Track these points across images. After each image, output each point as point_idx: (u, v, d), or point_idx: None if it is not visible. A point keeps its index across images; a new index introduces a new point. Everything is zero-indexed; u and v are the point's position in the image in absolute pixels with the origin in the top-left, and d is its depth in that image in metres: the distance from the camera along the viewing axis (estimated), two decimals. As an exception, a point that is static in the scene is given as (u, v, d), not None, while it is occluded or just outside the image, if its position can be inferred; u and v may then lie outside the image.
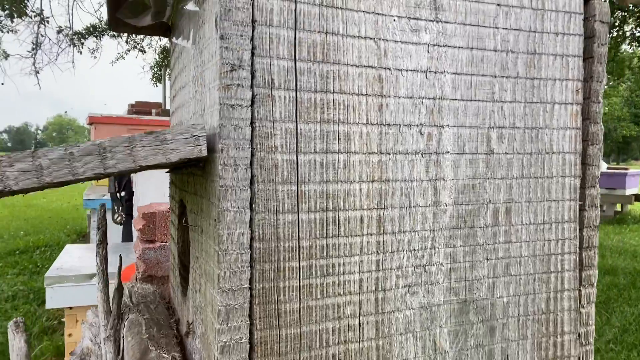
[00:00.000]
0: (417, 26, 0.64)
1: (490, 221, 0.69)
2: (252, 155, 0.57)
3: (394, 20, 0.63)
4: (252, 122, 0.56)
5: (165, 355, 0.70)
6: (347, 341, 0.62)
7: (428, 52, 0.65)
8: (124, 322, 0.80)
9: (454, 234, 0.67)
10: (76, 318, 2.07)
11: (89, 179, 0.53)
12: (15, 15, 6.54)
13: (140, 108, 6.03)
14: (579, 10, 0.72)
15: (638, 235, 7.20)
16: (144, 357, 0.69)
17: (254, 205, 0.57)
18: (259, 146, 0.57)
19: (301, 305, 0.59)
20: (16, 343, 0.82)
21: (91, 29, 7.62)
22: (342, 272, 0.61)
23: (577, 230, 0.74)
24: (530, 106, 0.70)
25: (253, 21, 0.56)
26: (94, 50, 8.00)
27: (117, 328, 0.79)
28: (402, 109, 0.64)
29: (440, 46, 0.65)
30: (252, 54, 0.56)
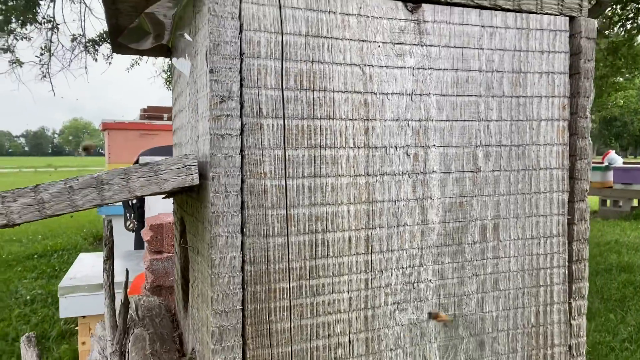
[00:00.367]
0: (402, 51, 0.66)
1: (478, 237, 0.71)
2: (242, 182, 0.59)
3: (379, 46, 0.65)
4: (241, 150, 0.59)
5: (167, 370, 0.73)
6: (337, 358, 0.64)
7: (413, 75, 0.67)
8: (129, 336, 0.83)
9: (442, 251, 0.69)
10: (89, 327, 2.13)
11: (88, 209, 0.56)
12: (27, 23, 6.67)
13: (152, 113, 6.12)
14: (564, 27, 0.74)
15: (655, 231, 7.08)
16: (147, 371, 0.72)
17: (244, 230, 0.59)
18: (248, 173, 0.59)
19: (292, 325, 0.62)
20: (28, 357, 0.86)
21: (104, 36, 7.74)
22: (331, 291, 0.64)
23: (566, 244, 0.75)
24: (517, 124, 0.72)
25: (241, 54, 0.59)
26: (109, 57, 8.13)
27: (123, 342, 0.83)
28: (388, 131, 0.66)
29: (425, 69, 0.67)
30: (241, 85, 0.59)
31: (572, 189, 0.76)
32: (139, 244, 3.63)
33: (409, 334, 0.67)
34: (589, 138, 0.77)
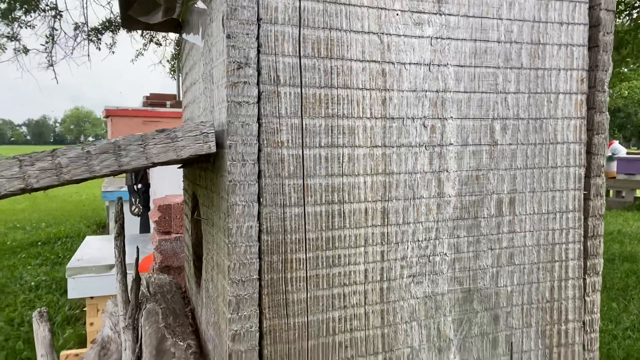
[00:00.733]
0: (420, 19, 0.65)
1: (494, 212, 0.70)
2: (260, 150, 0.59)
3: (397, 14, 0.64)
4: (259, 119, 0.58)
5: (181, 343, 0.73)
6: (353, 329, 0.64)
7: (431, 45, 0.66)
8: (142, 311, 0.83)
9: (457, 224, 0.68)
10: (97, 307, 2.14)
11: (105, 175, 0.55)
12: (31, 11, 6.63)
13: (155, 100, 6.10)
14: (584, -1, 0.72)
15: (658, 221, 7.07)
16: (161, 345, 0.72)
17: (261, 199, 0.59)
18: (265, 142, 0.59)
19: (308, 295, 0.62)
20: (40, 332, 0.86)
21: (107, 24, 7.69)
22: (347, 262, 0.63)
23: (582, 219, 0.75)
24: (534, 96, 0.71)
25: (258, 19, 0.58)
26: (112, 45, 8.07)
27: (136, 317, 0.83)
28: (405, 102, 0.65)
29: (444, 39, 0.66)
30: (258, 52, 0.58)
31: (588, 164, 0.75)
32: (144, 227, 3.64)
33: (424, 307, 0.67)
34: (607, 112, 0.76)
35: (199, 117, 0.81)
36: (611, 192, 8.97)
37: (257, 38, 0.58)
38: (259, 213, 0.59)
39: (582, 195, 0.75)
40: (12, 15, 6.93)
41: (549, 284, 0.73)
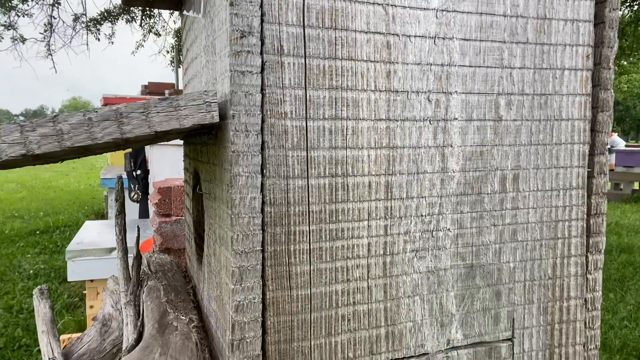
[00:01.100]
0: (426, -8, 0.64)
1: (497, 188, 0.70)
2: (263, 121, 0.58)
3: (402, -14, 0.63)
4: (262, 89, 0.58)
5: (183, 318, 0.73)
6: (356, 303, 0.64)
7: (437, 17, 0.65)
8: (143, 288, 0.83)
9: (461, 200, 0.68)
10: (97, 290, 2.14)
11: (107, 144, 0.55)
12: None
13: (153, 89, 6.07)
14: (591, -26, 0.72)
15: (656, 214, 7.09)
16: (163, 319, 0.72)
17: (264, 171, 0.58)
18: (269, 112, 0.58)
19: (311, 268, 0.61)
20: (41, 309, 0.86)
21: (105, 14, 7.62)
22: (351, 236, 0.63)
23: (585, 197, 0.75)
24: (540, 72, 0.70)
25: None
26: (111, 36, 8.00)
27: (137, 294, 0.82)
28: (410, 75, 0.64)
29: (449, 11, 0.65)
30: (262, 21, 0.57)
31: (592, 142, 0.74)
32: (143, 213, 3.64)
33: (427, 282, 0.67)
34: (612, 90, 0.75)
35: (200, 93, 0.80)
36: (609, 184, 8.99)
37: (261, 6, 0.57)
38: (262, 184, 0.58)
39: (586, 173, 0.74)
40: (9, 3, 6.86)
41: (552, 260, 0.73)
